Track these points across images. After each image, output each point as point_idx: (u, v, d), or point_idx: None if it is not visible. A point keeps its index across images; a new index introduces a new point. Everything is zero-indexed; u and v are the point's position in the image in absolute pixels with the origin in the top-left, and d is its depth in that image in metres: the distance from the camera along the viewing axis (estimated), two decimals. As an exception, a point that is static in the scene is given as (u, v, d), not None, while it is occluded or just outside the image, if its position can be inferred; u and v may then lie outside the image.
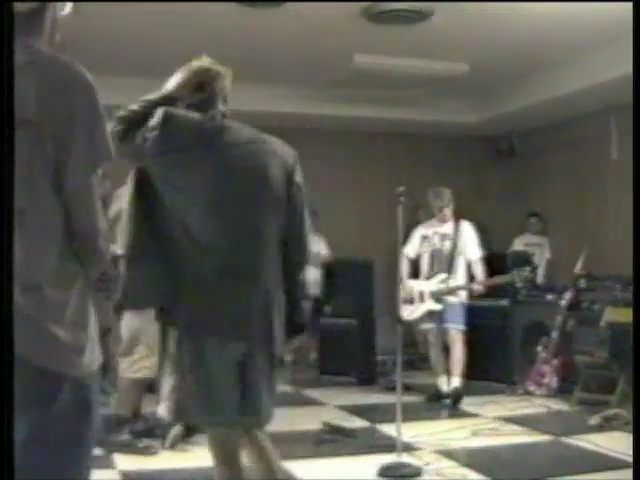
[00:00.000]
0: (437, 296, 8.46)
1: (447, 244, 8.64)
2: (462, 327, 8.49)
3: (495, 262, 9.00)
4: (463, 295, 8.61)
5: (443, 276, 8.52)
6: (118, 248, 2.49)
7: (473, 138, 12.90)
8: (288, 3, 7.82)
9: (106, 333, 6.21)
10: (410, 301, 8.49)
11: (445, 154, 12.69)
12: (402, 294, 8.24)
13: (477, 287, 8.52)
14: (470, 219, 8.87)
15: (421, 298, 8.51)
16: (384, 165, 12.31)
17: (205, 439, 6.65)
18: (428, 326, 8.63)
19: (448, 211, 8.72)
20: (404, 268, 8.59)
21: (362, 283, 10.30)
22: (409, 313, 8.36)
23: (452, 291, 8.49)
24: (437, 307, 8.47)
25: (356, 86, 10.72)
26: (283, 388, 9.75)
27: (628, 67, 8.94)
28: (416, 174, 11.29)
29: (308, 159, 12.81)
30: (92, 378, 2.29)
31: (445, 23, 8.38)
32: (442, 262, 8.59)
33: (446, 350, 8.58)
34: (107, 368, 6.47)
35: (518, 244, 11.51)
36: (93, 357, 2.29)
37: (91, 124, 2.24)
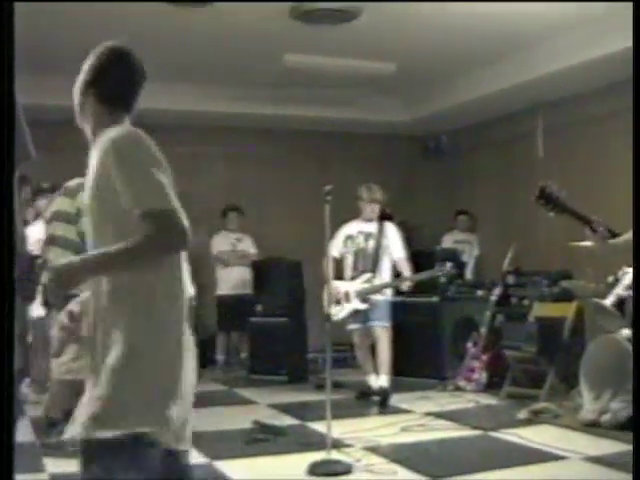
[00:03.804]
0: (362, 295, 8.41)
1: (371, 243, 8.61)
2: (387, 324, 8.46)
3: (424, 259, 9.08)
4: (388, 293, 8.60)
5: (368, 275, 8.50)
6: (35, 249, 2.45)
7: (402, 137, 12.96)
8: (215, 3, 7.78)
9: (24, 336, 6.14)
10: (337, 301, 8.40)
11: (375, 153, 12.72)
12: (328, 294, 8.26)
13: (402, 284, 8.51)
14: (399, 217, 8.91)
15: (347, 298, 8.45)
16: (314, 164, 12.31)
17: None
18: (354, 326, 8.60)
19: (377, 208, 8.68)
20: (329, 268, 8.48)
21: (292, 282, 10.32)
22: (336, 313, 8.18)
23: (377, 290, 8.46)
24: (362, 306, 8.42)
25: (286, 85, 10.73)
26: (214, 387, 9.74)
27: (554, 65, 9.14)
28: (346, 173, 11.32)
29: (238, 158, 12.83)
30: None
31: (373, 23, 8.41)
32: (367, 261, 8.57)
33: (374, 348, 8.57)
34: (27, 372, 6.38)
35: (447, 241, 11.64)
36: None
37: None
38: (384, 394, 8.28)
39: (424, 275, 8.65)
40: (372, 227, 8.67)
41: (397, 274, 8.64)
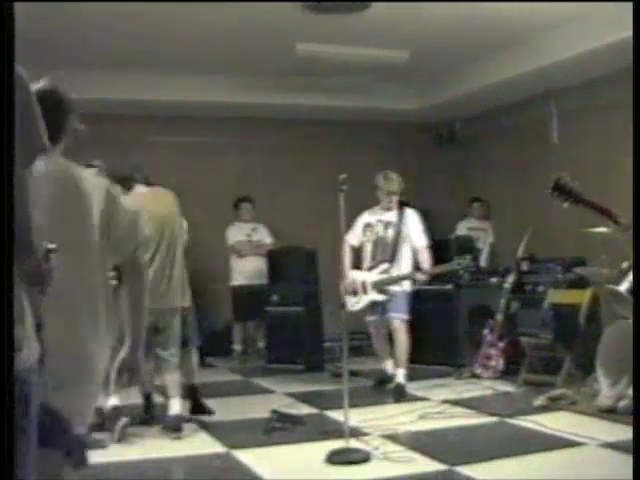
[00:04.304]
0: (380, 287, 8.26)
1: (391, 232, 8.41)
2: (405, 316, 8.31)
3: (439, 247, 9.02)
4: (406, 284, 8.35)
5: (386, 266, 8.30)
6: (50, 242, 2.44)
7: (415, 125, 12.94)
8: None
9: (41, 327, 6.15)
10: (354, 292, 8.28)
11: (388, 141, 12.70)
12: (345, 284, 8.24)
13: (419, 277, 8.33)
14: (413, 205, 8.87)
15: (364, 289, 8.30)
16: (327, 153, 12.30)
17: (152, 431, 6.68)
18: (371, 318, 8.49)
19: (395, 198, 8.49)
20: (347, 257, 8.41)
21: (308, 271, 10.35)
22: (353, 304, 8.19)
23: (394, 281, 8.29)
24: (380, 298, 8.28)
25: (299, 75, 10.70)
26: (232, 377, 9.78)
27: (568, 51, 9.10)
28: (359, 161, 11.31)
29: (253, 148, 12.80)
30: (30, 373, 2.28)
31: (386, 11, 8.39)
32: (386, 251, 8.37)
33: (391, 338, 8.47)
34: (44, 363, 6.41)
35: (461, 229, 11.60)
36: (30, 352, 2.28)
37: (24, 118, 2.22)
38: (399, 391, 8.14)
39: (443, 268, 8.56)
40: (392, 215, 8.47)
41: (417, 263, 8.41)
